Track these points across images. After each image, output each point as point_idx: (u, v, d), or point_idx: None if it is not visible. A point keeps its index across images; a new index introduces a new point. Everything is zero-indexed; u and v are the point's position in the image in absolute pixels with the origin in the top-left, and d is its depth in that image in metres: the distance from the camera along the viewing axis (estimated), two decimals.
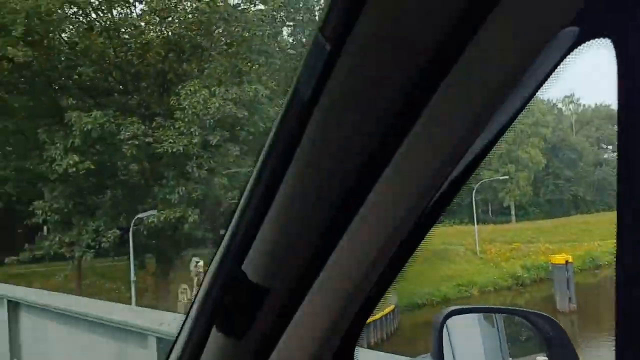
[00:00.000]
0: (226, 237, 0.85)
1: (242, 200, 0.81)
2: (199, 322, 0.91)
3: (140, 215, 20.92)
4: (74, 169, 20.58)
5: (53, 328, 6.66)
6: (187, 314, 0.95)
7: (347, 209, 0.71)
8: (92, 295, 29.32)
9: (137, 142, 20.77)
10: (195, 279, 21.40)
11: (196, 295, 0.93)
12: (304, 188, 0.73)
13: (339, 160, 0.69)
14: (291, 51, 28.43)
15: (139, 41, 23.70)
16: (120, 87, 25.42)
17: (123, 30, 24.26)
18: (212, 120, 21.76)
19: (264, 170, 0.76)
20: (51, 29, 22.08)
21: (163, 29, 24.13)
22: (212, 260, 0.89)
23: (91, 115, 20.01)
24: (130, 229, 21.16)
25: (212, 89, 21.52)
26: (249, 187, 0.79)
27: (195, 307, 0.92)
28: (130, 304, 29.89)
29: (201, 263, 21.38)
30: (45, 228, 41.34)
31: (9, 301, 6.74)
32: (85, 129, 19.96)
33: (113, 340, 5.75)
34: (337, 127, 0.67)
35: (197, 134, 21.41)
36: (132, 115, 21.97)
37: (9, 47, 20.81)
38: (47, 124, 22.42)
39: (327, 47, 0.61)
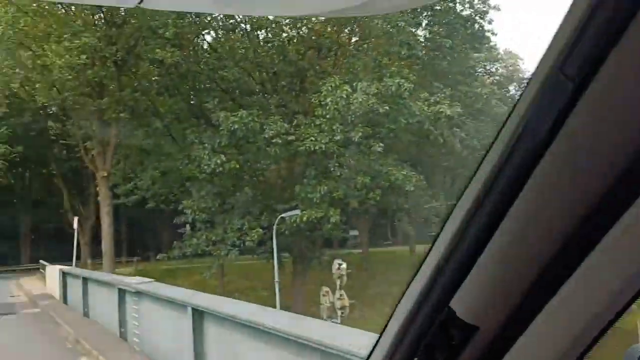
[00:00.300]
0: (431, 267, 0.82)
1: (453, 230, 0.78)
2: (397, 355, 0.89)
3: (284, 215, 20.65)
4: (221, 169, 20.84)
5: (240, 340, 5.94)
6: (377, 341, 0.98)
7: (584, 245, 0.66)
8: (231, 293, 29.99)
9: (279, 141, 20.52)
10: (338, 282, 20.67)
11: (386, 326, 0.94)
12: (537, 222, 0.69)
13: (579, 199, 0.65)
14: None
15: (278, 40, 23.66)
16: (261, 86, 25.65)
17: (263, 30, 24.40)
18: (353, 117, 20.95)
19: (486, 202, 0.72)
20: (197, 31, 22.66)
21: (301, 25, 23.89)
22: (408, 287, 0.88)
23: (237, 115, 20.11)
24: (274, 228, 20.98)
25: (354, 84, 20.71)
26: (460, 216, 0.76)
27: (389, 339, 0.92)
28: (268, 304, 30.16)
29: (344, 265, 20.60)
30: (187, 227, 43.53)
31: (193, 309, 6.22)
32: (231, 128, 20.11)
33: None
34: (573, 170, 0.64)
35: (338, 131, 20.71)
36: (274, 114, 21.85)
37: (157, 50, 21.72)
38: (194, 125, 23.08)
39: (569, 85, 0.60)
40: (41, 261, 27.67)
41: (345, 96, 20.43)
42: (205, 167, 20.82)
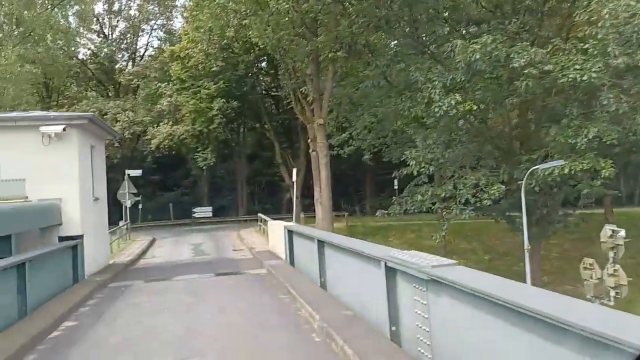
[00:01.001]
0: None
1: None
2: None
3: (540, 166, 16.29)
4: (454, 111, 17.15)
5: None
6: None
7: None
8: (449, 255, 26.62)
9: (533, 71, 15.96)
10: (612, 254, 15.77)
11: None
12: None
13: None
14: None
15: None
16: (491, 14, 21.05)
17: None
18: (638, 34, 15.33)
19: None
20: None
21: None
22: None
23: (479, 42, 16.03)
24: (523, 184, 16.79)
25: None
26: None
27: None
28: (492, 270, 26.05)
29: (622, 233, 15.58)
30: (395, 182, 40.99)
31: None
32: (470, 59, 16.15)
33: None
34: None
35: (616, 54, 15.35)
36: (521, 40, 17.27)
37: None
38: (417, 62, 19.61)
39: None
40: (259, 214, 27.45)
41: (628, 5, 14.93)
42: (435, 110, 17.31)
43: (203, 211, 45.75)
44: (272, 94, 41.99)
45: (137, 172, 29.05)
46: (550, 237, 23.54)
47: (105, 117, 40.61)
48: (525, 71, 15.96)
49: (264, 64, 40.68)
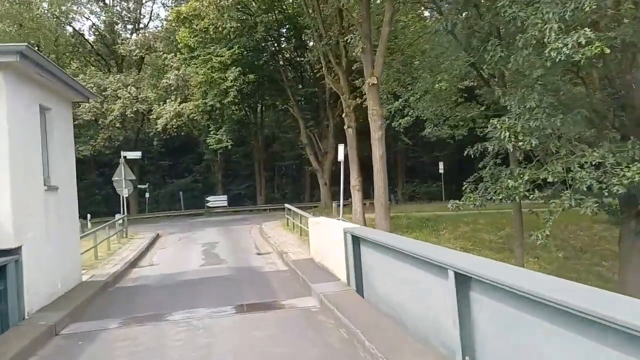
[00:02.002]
0: None
1: None
2: None
3: None
4: (576, 57, 11.56)
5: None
6: None
7: None
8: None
9: None
10: None
11: None
12: None
13: None
14: None
15: None
16: None
17: None
18: None
19: None
20: None
21: None
22: None
23: None
24: None
25: None
26: None
27: None
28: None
29: None
30: (440, 166, 35.45)
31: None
32: None
33: None
34: None
35: None
36: None
37: None
38: None
39: None
40: (287, 206, 22.18)
41: None
42: (552, 55, 11.72)
43: (217, 200, 40.83)
44: (298, 60, 36.22)
45: (135, 155, 23.92)
46: None
47: (104, 93, 35.54)
48: None
49: (285, 30, 35.02)
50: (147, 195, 41.34)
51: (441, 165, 34.25)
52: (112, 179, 22.62)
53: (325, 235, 10.75)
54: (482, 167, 18.19)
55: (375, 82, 14.78)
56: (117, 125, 36.16)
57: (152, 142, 42.08)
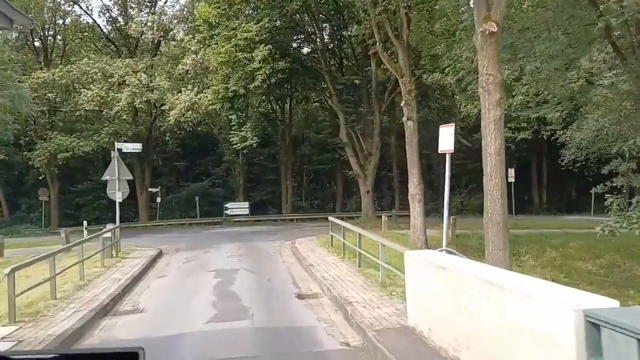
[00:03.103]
0: None
1: None
2: None
3: None
4: None
5: None
6: None
7: None
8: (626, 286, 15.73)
9: None
10: None
11: None
12: None
13: None
14: None
15: None
16: None
17: None
18: None
19: None
20: None
21: None
22: None
23: None
24: None
25: None
26: None
27: None
28: None
29: None
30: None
31: None
32: None
33: None
34: None
35: None
36: None
37: None
38: None
39: None
40: (332, 218, 16.57)
41: None
42: None
43: (237, 207, 35.63)
44: (339, 40, 30.49)
45: (134, 148, 18.48)
46: None
47: (110, 80, 30.51)
48: None
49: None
50: (158, 200, 36.16)
51: (512, 172, 28.34)
52: (103, 178, 17.28)
53: (494, 310, 4.95)
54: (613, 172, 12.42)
55: (495, 30, 9.23)
56: (124, 117, 31.07)
57: (167, 141, 36.94)
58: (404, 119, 19.42)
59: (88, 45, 38.91)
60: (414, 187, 19.39)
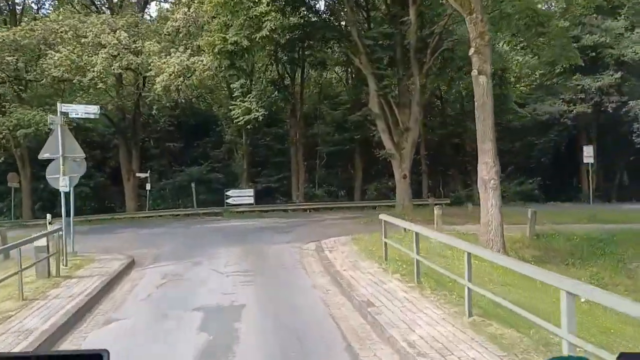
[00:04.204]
0: None
1: None
2: None
3: None
4: None
5: None
6: None
7: None
8: None
9: None
10: None
11: None
12: None
13: None
14: None
15: None
16: None
17: None
18: None
19: None
20: None
21: None
22: None
23: None
24: None
25: None
26: None
27: None
28: None
29: None
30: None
31: None
32: None
33: None
34: None
35: None
36: None
37: None
38: None
39: None
40: (385, 217, 10.85)
41: None
42: None
43: (240, 195, 30.31)
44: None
45: (88, 111, 12.59)
46: None
47: (83, 40, 24.80)
48: None
49: None
50: (148, 187, 30.62)
51: (588, 150, 22.60)
52: (40, 156, 11.64)
53: None
54: None
55: None
56: (100, 85, 25.38)
57: (155, 117, 31.23)
58: (474, 72, 13.86)
59: (65, 6, 33.08)
60: (488, 169, 13.83)
